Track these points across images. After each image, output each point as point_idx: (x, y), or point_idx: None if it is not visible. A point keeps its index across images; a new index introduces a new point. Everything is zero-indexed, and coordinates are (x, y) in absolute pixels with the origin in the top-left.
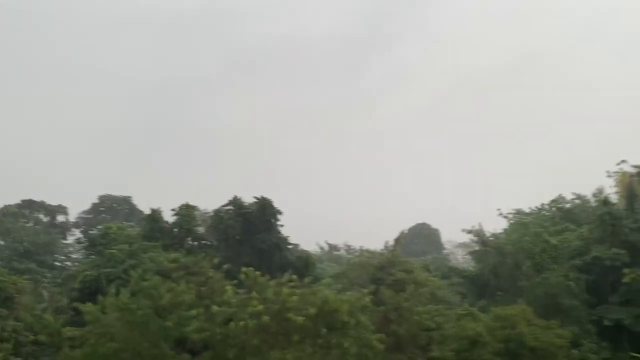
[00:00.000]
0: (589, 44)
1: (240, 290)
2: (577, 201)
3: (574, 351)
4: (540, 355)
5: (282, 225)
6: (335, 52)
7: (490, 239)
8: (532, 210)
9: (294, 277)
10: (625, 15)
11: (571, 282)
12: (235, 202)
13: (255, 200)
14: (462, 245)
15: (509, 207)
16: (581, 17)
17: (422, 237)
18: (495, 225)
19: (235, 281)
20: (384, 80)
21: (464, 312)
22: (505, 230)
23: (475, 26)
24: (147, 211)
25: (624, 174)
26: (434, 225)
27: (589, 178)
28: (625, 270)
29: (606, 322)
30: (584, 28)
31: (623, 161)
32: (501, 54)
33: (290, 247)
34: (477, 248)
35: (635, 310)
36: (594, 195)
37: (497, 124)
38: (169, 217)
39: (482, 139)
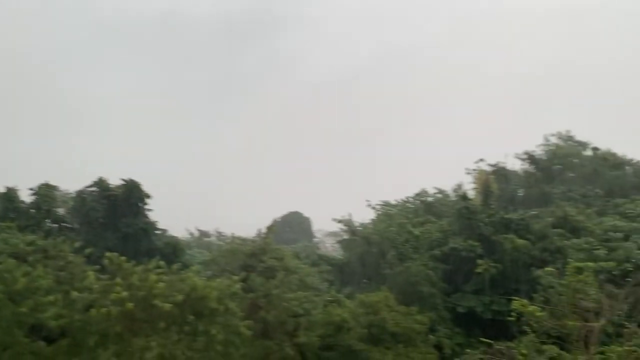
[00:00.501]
0: (451, 46)
1: (104, 276)
2: (438, 195)
3: (431, 336)
4: (400, 340)
5: (150, 210)
6: (215, 33)
7: (359, 228)
8: (398, 202)
9: (162, 263)
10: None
11: (430, 271)
12: (100, 183)
13: (122, 182)
14: (332, 234)
15: (379, 199)
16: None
17: (293, 225)
18: (365, 216)
19: (98, 266)
20: (261, 66)
21: (331, 298)
22: (373, 220)
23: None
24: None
25: (481, 172)
26: (305, 214)
27: (451, 174)
28: (479, 261)
29: (460, 309)
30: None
31: (481, 160)
32: (365, 51)
33: (158, 232)
34: (346, 237)
35: (486, 298)
36: (454, 190)
37: (365, 119)
38: (27, 196)
39: (351, 133)
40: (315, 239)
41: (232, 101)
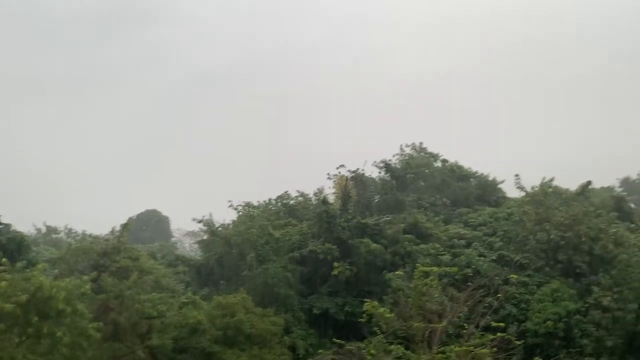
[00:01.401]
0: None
1: None
2: (300, 199)
3: (286, 337)
4: (255, 342)
5: None
6: (81, 20)
7: (219, 229)
8: (260, 204)
9: (5, 260)
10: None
11: (289, 273)
12: None
13: None
14: (191, 233)
15: (243, 200)
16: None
17: (151, 224)
18: (227, 216)
19: None
20: (128, 59)
21: (187, 300)
22: (234, 221)
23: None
24: None
25: (342, 177)
26: (164, 212)
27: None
28: (335, 264)
29: (315, 311)
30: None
31: (342, 166)
32: (238, 50)
33: (0, 227)
34: (205, 237)
35: (340, 300)
36: (315, 194)
37: (233, 119)
38: None
39: (217, 133)
40: (173, 239)
41: (93, 94)
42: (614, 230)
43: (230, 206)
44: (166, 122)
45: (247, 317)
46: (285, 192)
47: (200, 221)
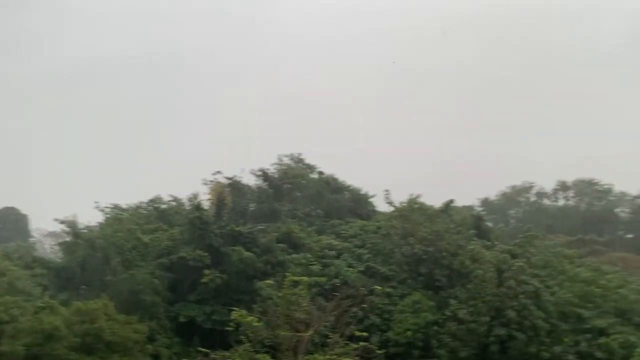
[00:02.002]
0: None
1: None
2: (173, 203)
3: (149, 345)
4: (116, 350)
5: None
6: None
7: (83, 231)
8: (130, 206)
9: None
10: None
11: (156, 280)
12: None
13: None
14: (52, 234)
15: (112, 201)
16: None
17: (7, 222)
18: (94, 218)
19: None
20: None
21: (43, 304)
22: (101, 224)
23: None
24: None
25: (217, 183)
26: (23, 210)
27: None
28: (206, 272)
29: (181, 319)
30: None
31: (218, 172)
32: (136, 45)
33: None
34: (68, 239)
35: (208, 308)
36: (189, 199)
37: (109, 117)
38: None
39: (90, 130)
40: (32, 239)
41: None
42: (472, 247)
43: (96, 207)
44: (35, 115)
45: (108, 324)
46: (157, 195)
47: (62, 222)
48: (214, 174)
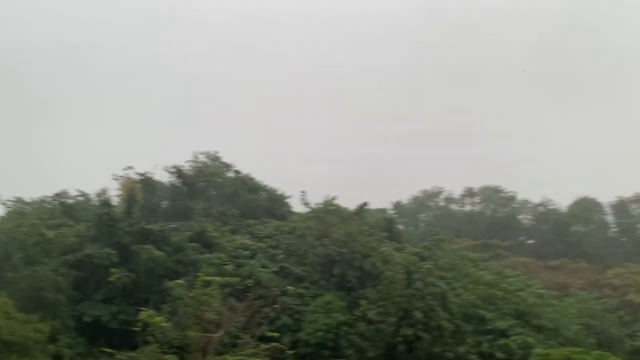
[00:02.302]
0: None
1: None
2: (80, 198)
3: (51, 345)
4: (15, 350)
5: None
6: None
7: None
8: (34, 200)
9: None
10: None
11: (59, 277)
12: None
13: None
14: None
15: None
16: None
17: None
18: None
19: None
20: None
21: None
22: (2, 217)
23: None
24: None
25: (128, 179)
26: None
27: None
28: (113, 270)
29: (86, 318)
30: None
31: (130, 167)
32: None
33: None
34: None
35: (114, 307)
36: (98, 195)
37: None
38: None
39: None
40: None
41: None
42: (383, 248)
43: None
44: None
45: (6, 322)
46: (64, 189)
47: None
48: (125, 169)
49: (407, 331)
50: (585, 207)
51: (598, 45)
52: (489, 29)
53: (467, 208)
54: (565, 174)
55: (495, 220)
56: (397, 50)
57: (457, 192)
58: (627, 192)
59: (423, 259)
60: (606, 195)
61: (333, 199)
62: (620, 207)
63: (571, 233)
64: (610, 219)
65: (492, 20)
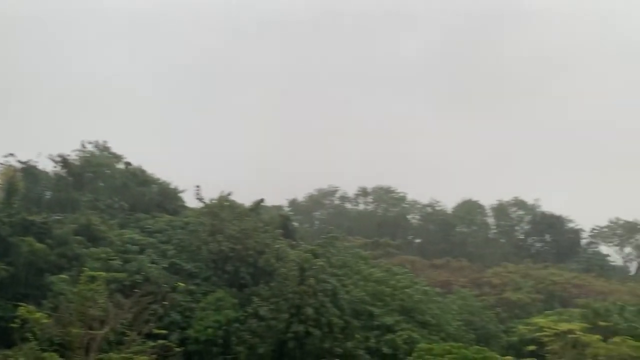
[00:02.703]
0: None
1: None
2: None
3: None
4: None
5: None
6: None
7: None
8: None
9: None
10: None
11: None
12: None
13: None
14: None
15: None
16: None
17: None
18: None
19: None
20: None
21: None
22: None
23: None
24: None
25: (9, 167)
26: None
27: None
28: None
29: None
30: None
31: (11, 155)
32: None
33: None
34: None
35: None
36: None
37: None
38: None
39: None
40: None
41: None
42: (278, 245)
43: None
44: None
45: None
46: None
47: None
48: (5, 157)
49: (298, 327)
50: (469, 209)
51: (494, 53)
52: (387, 31)
53: (361, 207)
54: (453, 177)
55: (386, 219)
56: (293, 50)
57: (351, 192)
58: (507, 196)
59: (316, 256)
60: (488, 198)
61: (228, 194)
62: (501, 210)
63: (455, 233)
64: (491, 221)
65: (390, 21)
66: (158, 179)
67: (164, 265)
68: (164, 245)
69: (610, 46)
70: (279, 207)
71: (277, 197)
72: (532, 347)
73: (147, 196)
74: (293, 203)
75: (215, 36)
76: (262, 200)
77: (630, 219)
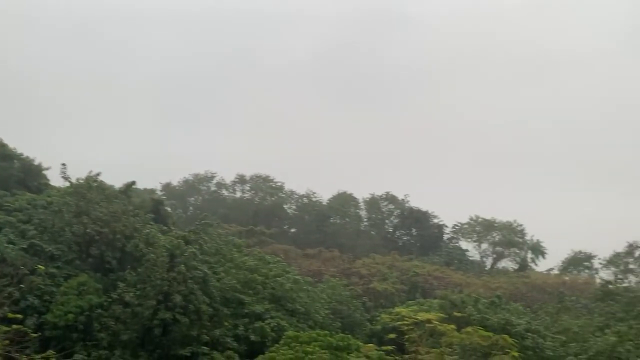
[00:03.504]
0: None
1: None
2: None
3: None
4: None
5: None
6: None
7: None
8: None
9: None
10: None
11: None
12: None
13: None
14: None
15: None
16: None
17: None
18: None
19: None
20: None
21: None
22: None
23: None
24: None
25: None
26: None
27: None
28: None
29: None
30: None
31: None
32: None
33: None
34: None
35: None
36: None
37: None
38: None
39: None
40: None
41: None
42: (148, 230)
43: None
44: None
45: None
46: None
47: None
48: None
49: (165, 314)
50: (343, 202)
51: (379, 56)
52: (274, 29)
53: (238, 195)
54: (331, 171)
55: (262, 208)
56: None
57: (229, 179)
58: (379, 190)
59: (188, 242)
60: (362, 192)
61: (97, 175)
62: (373, 203)
63: (329, 224)
64: (363, 213)
65: (278, 21)
66: (21, 154)
67: (23, 246)
68: (23, 225)
69: (489, 54)
70: (152, 191)
71: (152, 180)
72: (392, 335)
73: (7, 172)
74: (167, 187)
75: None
76: (133, 183)
77: (488, 217)
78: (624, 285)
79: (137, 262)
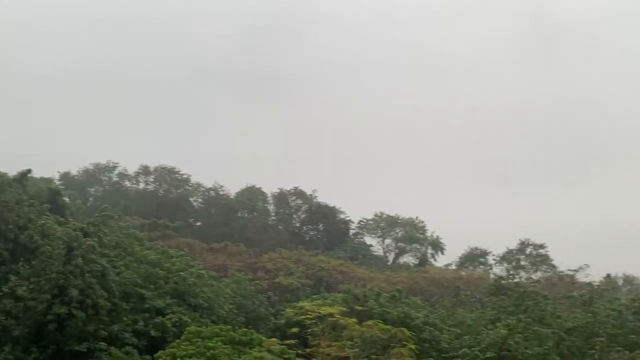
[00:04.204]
0: None
1: None
2: None
3: None
4: None
5: None
6: None
7: None
8: None
9: None
10: None
11: None
12: None
13: None
14: None
15: None
16: None
17: None
18: None
19: None
20: None
21: None
22: None
23: None
24: None
25: None
26: None
27: None
28: None
29: None
30: None
31: None
32: None
33: None
34: None
35: None
36: None
37: None
38: None
39: None
40: None
41: None
42: (43, 221)
43: None
44: None
45: None
46: None
47: None
48: None
49: (60, 309)
50: (252, 196)
51: (289, 53)
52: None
53: (141, 186)
54: (241, 165)
55: (167, 200)
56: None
57: (132, 169)
58: (288, 185)
59: (86, 235)
60: (271, 186)
61: None
62: (281, 198)
63: (237, 218)
64: (271, 208)
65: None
66: None
67: None
68: None
69: (399, 50)
70: (49, 180)
71: (49, 169)
72: (295, 330)
73: None
74: (66, 177)
75: None
76: (29, 171)
77: (392, 213)
78: (515, 280)
79: (31, 255)
